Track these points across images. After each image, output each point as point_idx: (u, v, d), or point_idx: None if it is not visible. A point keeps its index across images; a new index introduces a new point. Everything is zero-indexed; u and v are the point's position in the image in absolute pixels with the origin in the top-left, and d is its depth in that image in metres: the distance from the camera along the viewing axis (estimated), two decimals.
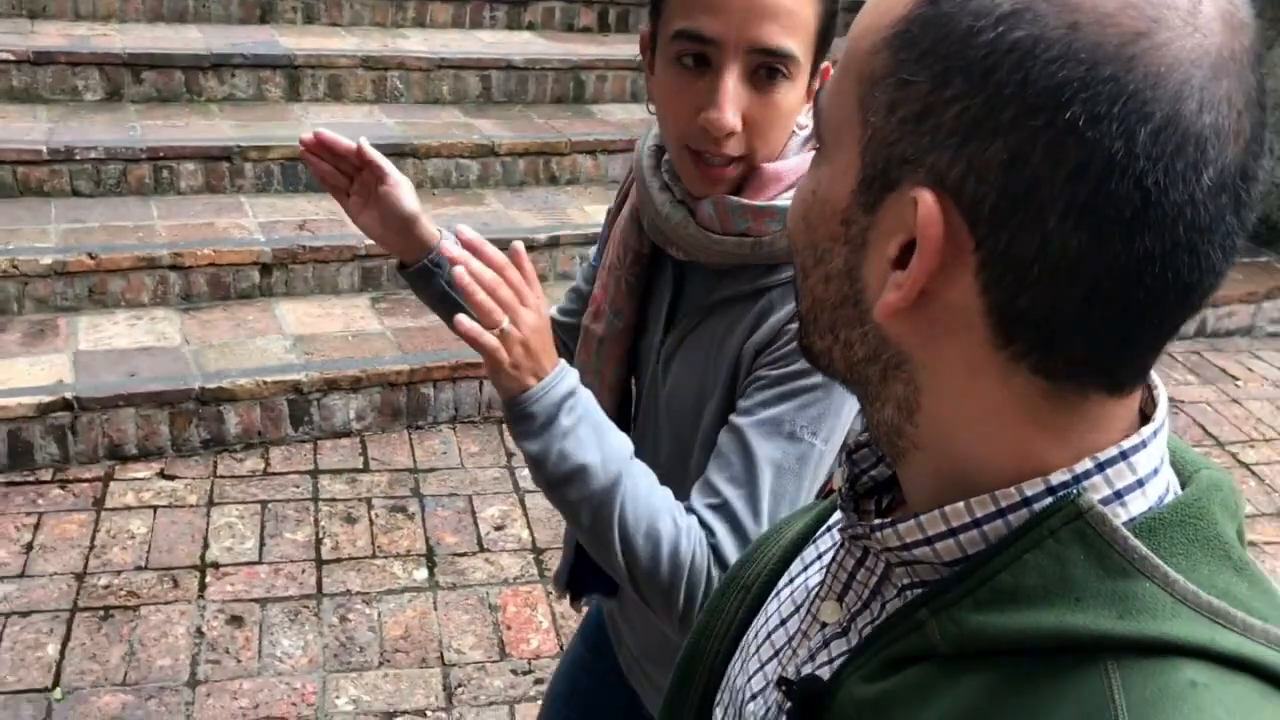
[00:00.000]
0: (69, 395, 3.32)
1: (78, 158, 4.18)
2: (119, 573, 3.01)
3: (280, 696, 2.68)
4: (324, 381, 3.58)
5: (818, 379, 1.16)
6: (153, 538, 3.15)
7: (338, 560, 3.15)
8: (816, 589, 0.71)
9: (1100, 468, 0.58)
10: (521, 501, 3.45)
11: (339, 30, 5.47)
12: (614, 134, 5.02)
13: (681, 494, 1.21)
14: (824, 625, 0.70)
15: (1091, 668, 0.53)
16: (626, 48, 5.57)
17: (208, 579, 3.03)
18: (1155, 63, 0.51)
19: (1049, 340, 0.56)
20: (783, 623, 0.75)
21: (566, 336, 1.53)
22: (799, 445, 1.17)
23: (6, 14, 4.93)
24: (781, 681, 0.69)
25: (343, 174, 1.41)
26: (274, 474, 3.48)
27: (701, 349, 1.25)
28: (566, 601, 1.57)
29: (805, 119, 1.22)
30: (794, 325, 1.16)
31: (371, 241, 1.46)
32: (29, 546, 3.07)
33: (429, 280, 1.43)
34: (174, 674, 2.71)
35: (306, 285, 4.03)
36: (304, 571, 3.09)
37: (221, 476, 3.44)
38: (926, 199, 0.54)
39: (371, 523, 3.30)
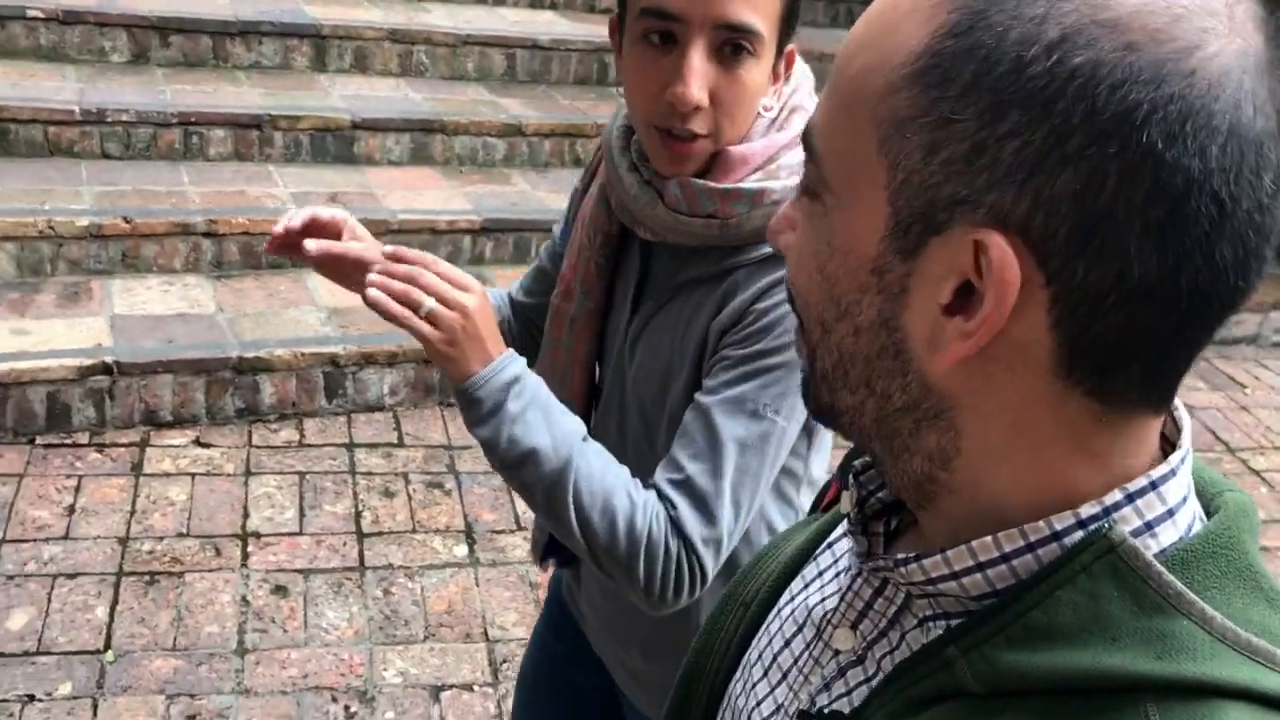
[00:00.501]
0: (109, 359, 3.32)
1: (109, 120, 4.15)
2: (161, 539, 3.02)
3: (329, 667, 2.71)
4: (361, 355, 3.59)
5: (781, 358, 1.17)
6: (192, 505, 3.16)
7: (378, 534, 3.17)
8: (827, 613, 0.70)
9: (1130, 499, 0.57)
10: None
11: (362, 1, 5.45)
12: None
13: (647, 473, 1.23)
14: (837, 653, 0.68)
15: (1132, 710, 0.52)
16: None
17: (249, 548, 3.04)
18: (1213, 74, 0.51)
19: (1115, 364, 0.55)
20: (787, 644, 0.73)
21: (531, 314, 1.55)
22: (762, 423, 1.18)
23: None
24: (802, 716, 0.67)
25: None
26: (309, 445, 3.49)
27: (668, 330, 1.26)
28: (538, 566, 1.57)
29: (770, 101, 1.23)
30: (759, 305, 1.18)
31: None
32: (71, 509, 3.07)
33: None
34: (222, 641, 2.73)
35: None
36: (345, 544, 3.11)
37: (257, 446, 3.45)
38: (998, 242, 0.52)
39: (410, 498, 3.33)
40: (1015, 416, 0.57)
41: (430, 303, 1.14)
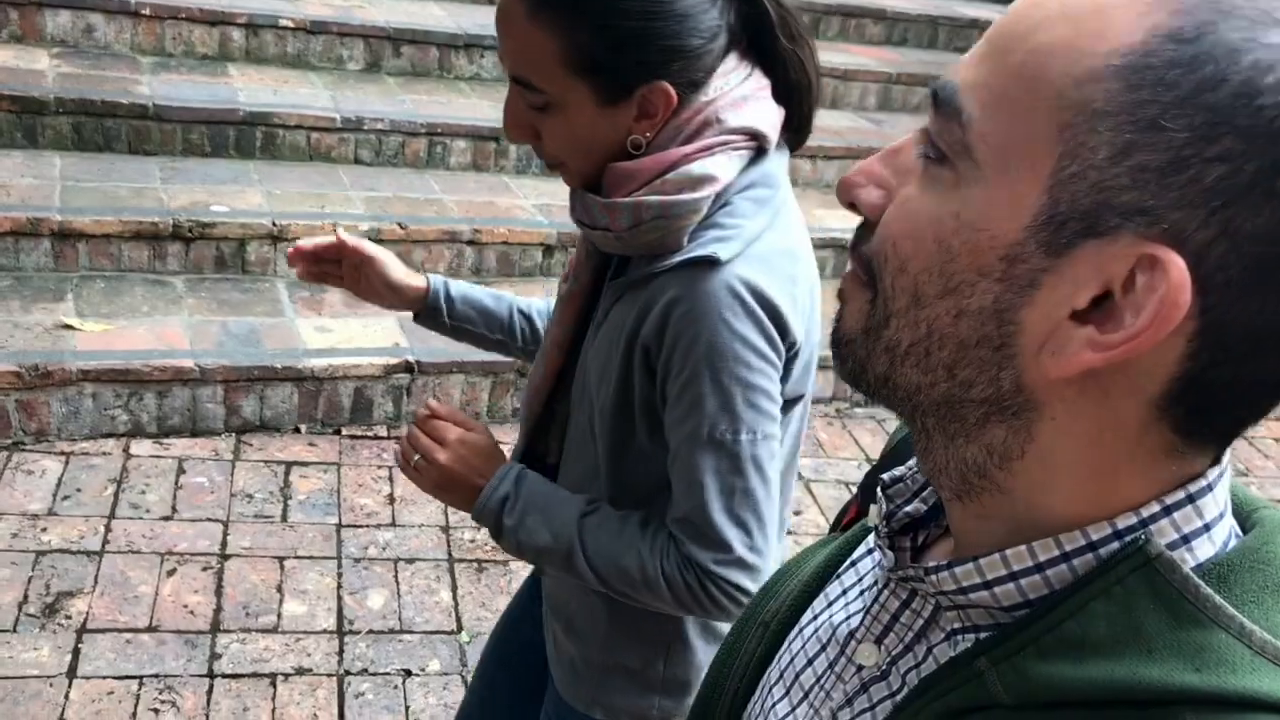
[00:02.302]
0: (410, 359, 3.56)
1: (365, 128, 4.40)
2: (477, 529, 3.25)
3: None
4: None
5: (712, 378, 1.20)
6: None
7: None
8: (851, 629, 0.69)
9: (1167, 511, 0.56)
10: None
11: None
12: (832, 140, 5.25)
13: (588, 459, 1.36)
14: (860, 668, 0.67)
15: None
16: (844, 56, 5.80)
17: None
18: None
19: (1215, 407, 0.54)
20: (810, 662, 0.71)
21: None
22: (726, 448, 1.22)
23: None
24: None
25: (329, 264, 1.62)
26: None
27: (614, 327, 1.31)
28: None
29: (640, 138, 1.24)
30: (673, 315, 1.18)
31: None
32: (391, 498, 3.32)
33: (437, 319, 1.65)
34: None
35: None
36: None
37: None
38: (1178, 263, 0.50)
39: None
40: (1097, 436, 0.55)
41: (416, 458, 1.38)
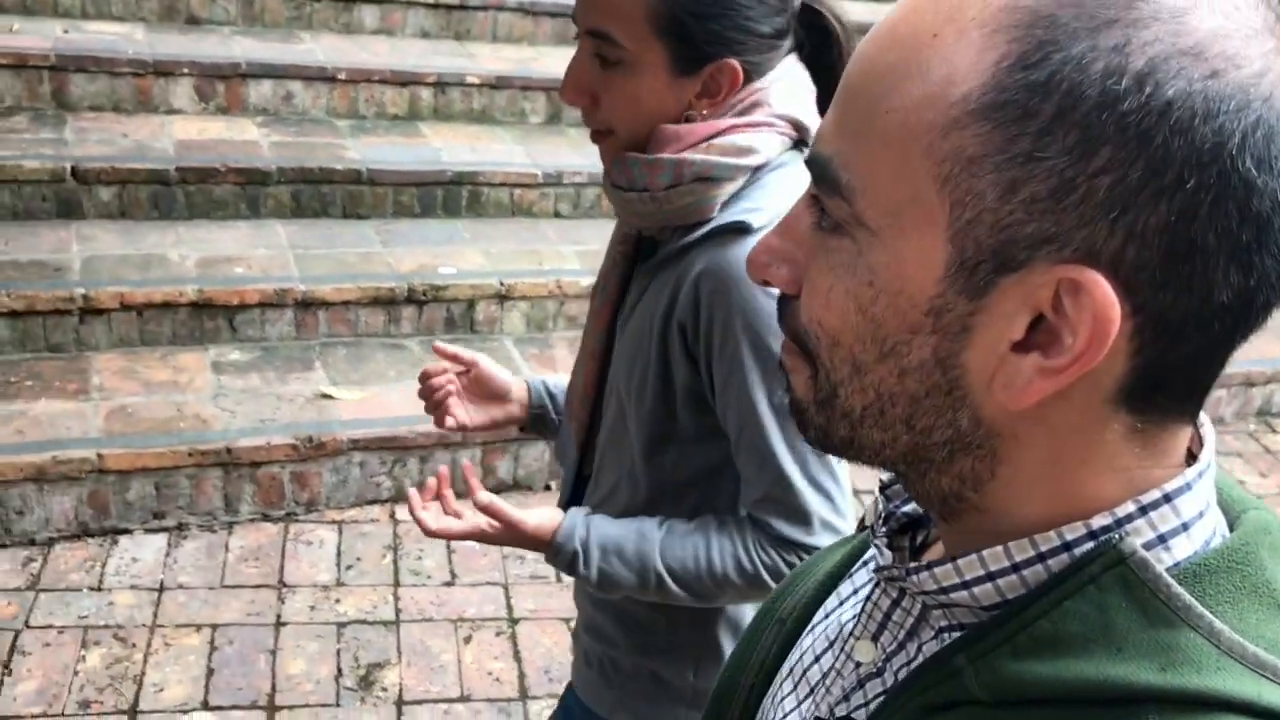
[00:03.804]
0: None
1: (565, 182, 4.45)
2: None
3: None
4: None
5: (753, 343, 1.20)
6: None
7: None
8: (851, 626, 0.70)
9: (1143, 510, 0.56)
10: None
11: None
12: None
13: (624, 458, 1.35)
14: (858, 665, 0.68)
15: None
16: None
17: None
18: None
19: (1168, 382, 0.55)
20: (817, 659, 0.73)
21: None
22: (783, 412, 1.21)
23: (437, 36, 5.21)
24: None
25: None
26: None
27: (643, 316, 1.31)
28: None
29: (697, 115, 1.25)
30: (704, 289, 1.20)
31: None
32: None
33: (546, 424, 1.60)
34: None
35: None
36: None
37: None
38: (1098, 281, 0.51)
39: None
40: (1062, 442, 0.56)
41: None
